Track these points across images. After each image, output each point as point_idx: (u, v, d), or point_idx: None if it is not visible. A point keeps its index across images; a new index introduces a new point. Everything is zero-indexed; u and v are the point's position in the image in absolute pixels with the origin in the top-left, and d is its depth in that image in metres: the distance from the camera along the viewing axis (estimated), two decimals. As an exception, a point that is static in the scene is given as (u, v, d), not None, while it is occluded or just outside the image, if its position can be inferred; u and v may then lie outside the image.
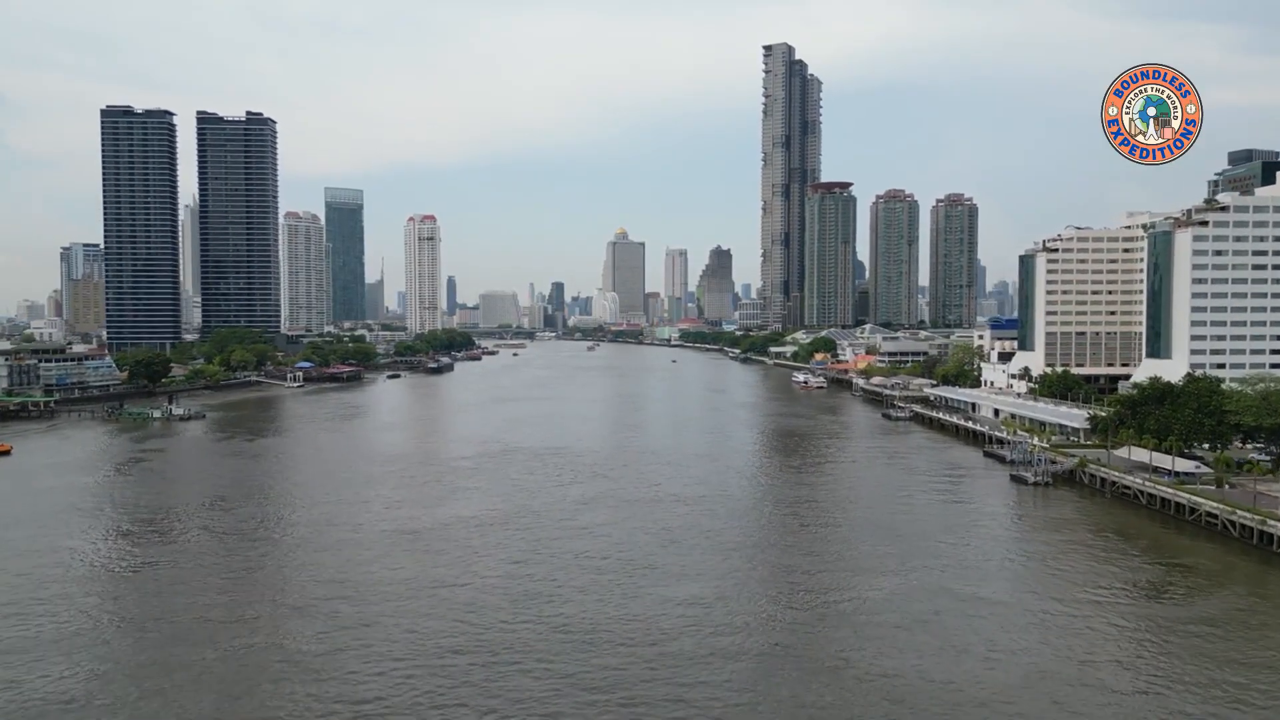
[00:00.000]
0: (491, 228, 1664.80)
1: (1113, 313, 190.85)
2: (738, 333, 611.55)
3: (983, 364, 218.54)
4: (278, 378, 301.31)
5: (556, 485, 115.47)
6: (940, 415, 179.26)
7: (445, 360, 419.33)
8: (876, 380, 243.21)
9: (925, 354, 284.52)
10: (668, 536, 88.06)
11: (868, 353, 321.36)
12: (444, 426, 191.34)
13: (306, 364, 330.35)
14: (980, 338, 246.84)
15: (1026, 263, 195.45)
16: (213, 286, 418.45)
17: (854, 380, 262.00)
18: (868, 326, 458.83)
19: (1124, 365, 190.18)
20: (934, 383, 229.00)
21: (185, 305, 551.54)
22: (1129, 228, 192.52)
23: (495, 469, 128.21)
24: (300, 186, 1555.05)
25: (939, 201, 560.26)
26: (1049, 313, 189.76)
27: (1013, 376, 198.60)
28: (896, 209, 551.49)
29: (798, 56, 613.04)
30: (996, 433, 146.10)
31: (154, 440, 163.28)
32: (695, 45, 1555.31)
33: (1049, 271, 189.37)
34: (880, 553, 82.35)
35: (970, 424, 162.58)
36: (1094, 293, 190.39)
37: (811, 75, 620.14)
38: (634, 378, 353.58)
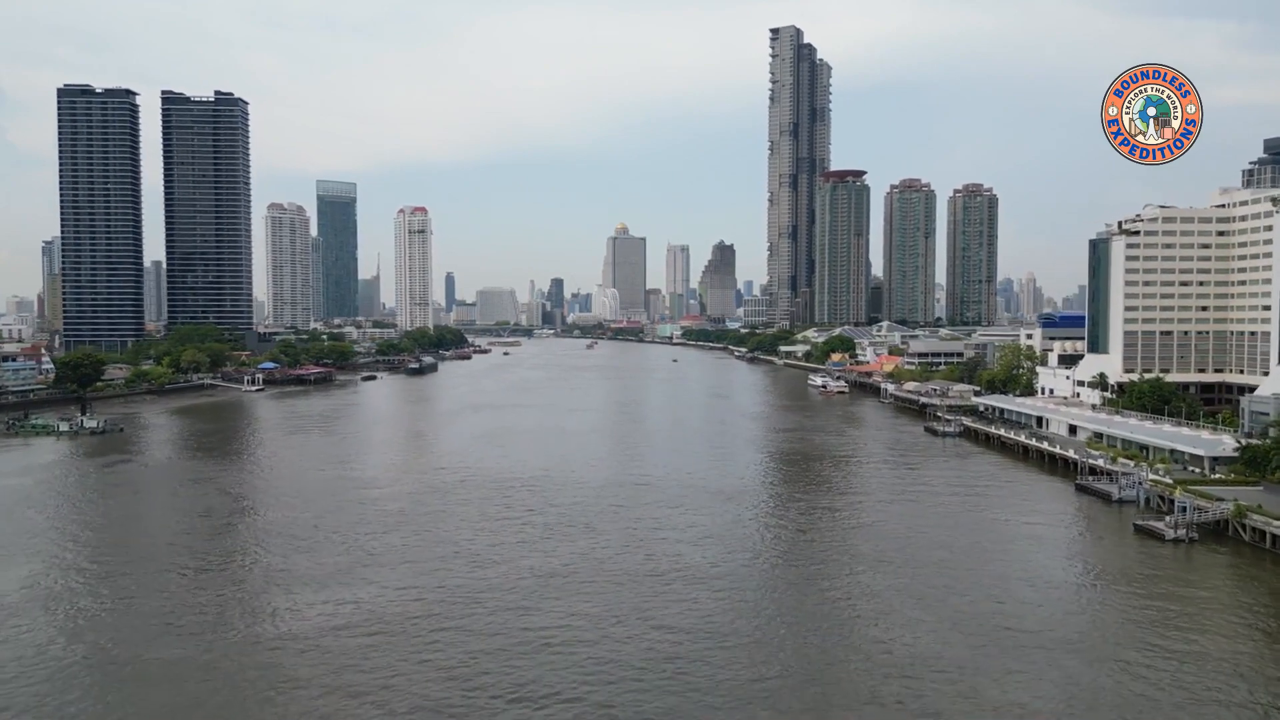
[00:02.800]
0: (492, 224, 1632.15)
1: (1204, 308, 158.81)
2: (743, 330, 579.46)
3: (1039, 368, 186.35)
4: (235, 380, 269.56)
5: (514, 543, 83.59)
6: (1000, 432, 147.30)
7: (428, 360, 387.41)
8: (910, 386, 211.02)
9: (960, 355, 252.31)
10: (670, 658, 56.06)
11: (891, 353, 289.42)
12: (395, 445, 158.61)
13: (271, 364, 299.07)
14: (1029, 337, 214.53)
15: (1099, 249, 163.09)
16: (179, 280, 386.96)
17: (882, 386, 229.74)
18: (884, 324, 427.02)
19: (1217, 372, 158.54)
20: (977, 389, 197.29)
21: (162, 300, 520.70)
22: (1223, 206, 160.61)
23: (436, 515, 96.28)
24: (300, 184, 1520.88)
25: (956, 192, 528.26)
26: (1128, 308, 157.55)
27: (1080, 384, 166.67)
28: (913, 199, 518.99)
29: (806, 40, 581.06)
30: (1091, 459, 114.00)
31: (35, 464, 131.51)
32: (698, 42, 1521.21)
33: (1128, 259, 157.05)
34: (1026, 700, 50.47)
35: (1045, 445, 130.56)
36: (1182, 284, 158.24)
37: (820, 60, 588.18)
38: (632, 380, 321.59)
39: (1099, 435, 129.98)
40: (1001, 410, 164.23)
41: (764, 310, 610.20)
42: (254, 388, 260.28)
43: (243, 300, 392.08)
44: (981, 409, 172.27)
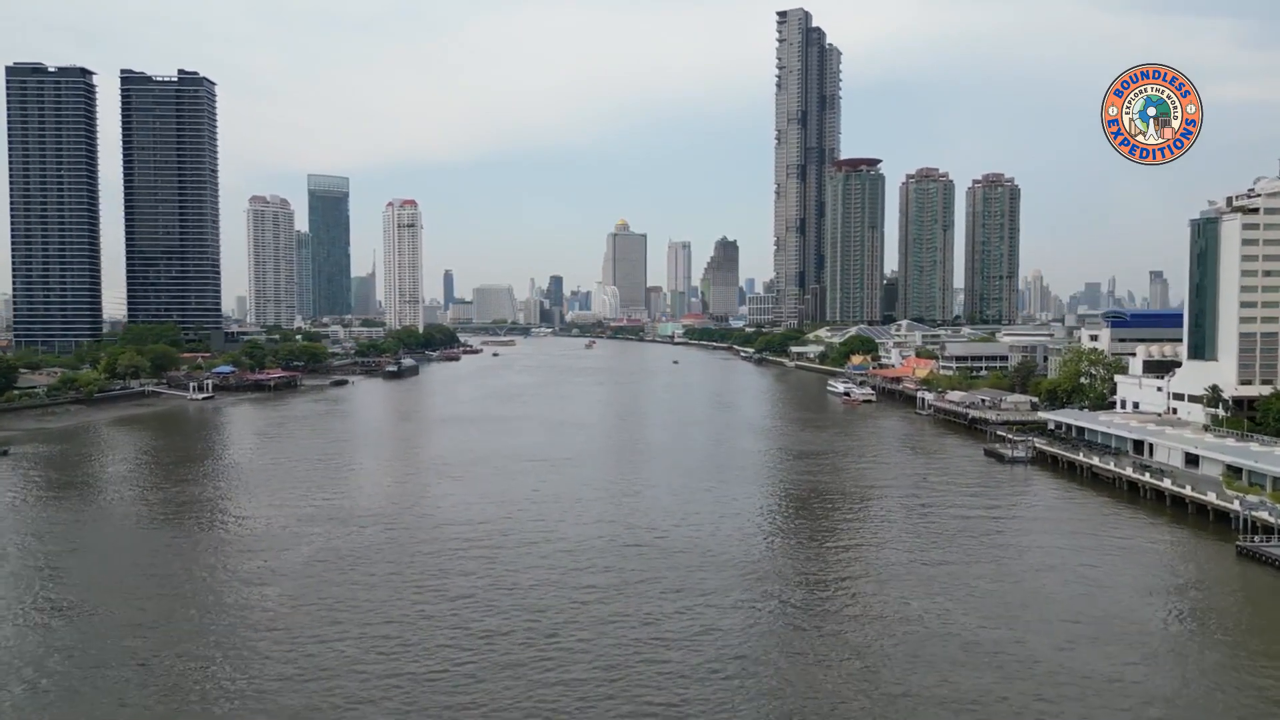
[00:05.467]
0: (491, 222, 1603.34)
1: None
2: (748, 329, 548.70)
3: (1118, 377, 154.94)
4: (181, 386, 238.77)
5: (423, 677, 52.20)
6: (1093, 461, 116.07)
7: (409, 363, 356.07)
8: (955, 396, 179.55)
9: (1004, 359, 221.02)
10: None
11: (919, 355, 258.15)
12: (322, 478, 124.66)
13: (227, 368, 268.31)
14: (1094, 339, 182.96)
15: (1205, 231, 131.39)
16: (139, 276, 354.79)
17: (919, 395, 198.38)
18: (904, 323, 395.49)
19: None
20: (1035, 400, 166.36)
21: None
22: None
23: (328, 607, 64.88)
24: (300, 183, 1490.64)
25: (976, 183, 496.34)
26: (1244, 304, 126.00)
27: (1178, 397, 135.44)
28: (930, 190, 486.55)
29: (814, 24, 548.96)
30: (1253, 510, 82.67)
31: None
32: (698, 40, 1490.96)
33: (1245, 243, 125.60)
34: None
35: (1169, 484, 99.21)
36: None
37: (830, 45, 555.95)
38: (630, 386, 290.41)
39: (1235, 470, 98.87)
40: (1081, 430, 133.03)
41: (770, 308, 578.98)
42: (200, 395, 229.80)
43: (209, 297, 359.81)
44: (1052, 427, 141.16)
